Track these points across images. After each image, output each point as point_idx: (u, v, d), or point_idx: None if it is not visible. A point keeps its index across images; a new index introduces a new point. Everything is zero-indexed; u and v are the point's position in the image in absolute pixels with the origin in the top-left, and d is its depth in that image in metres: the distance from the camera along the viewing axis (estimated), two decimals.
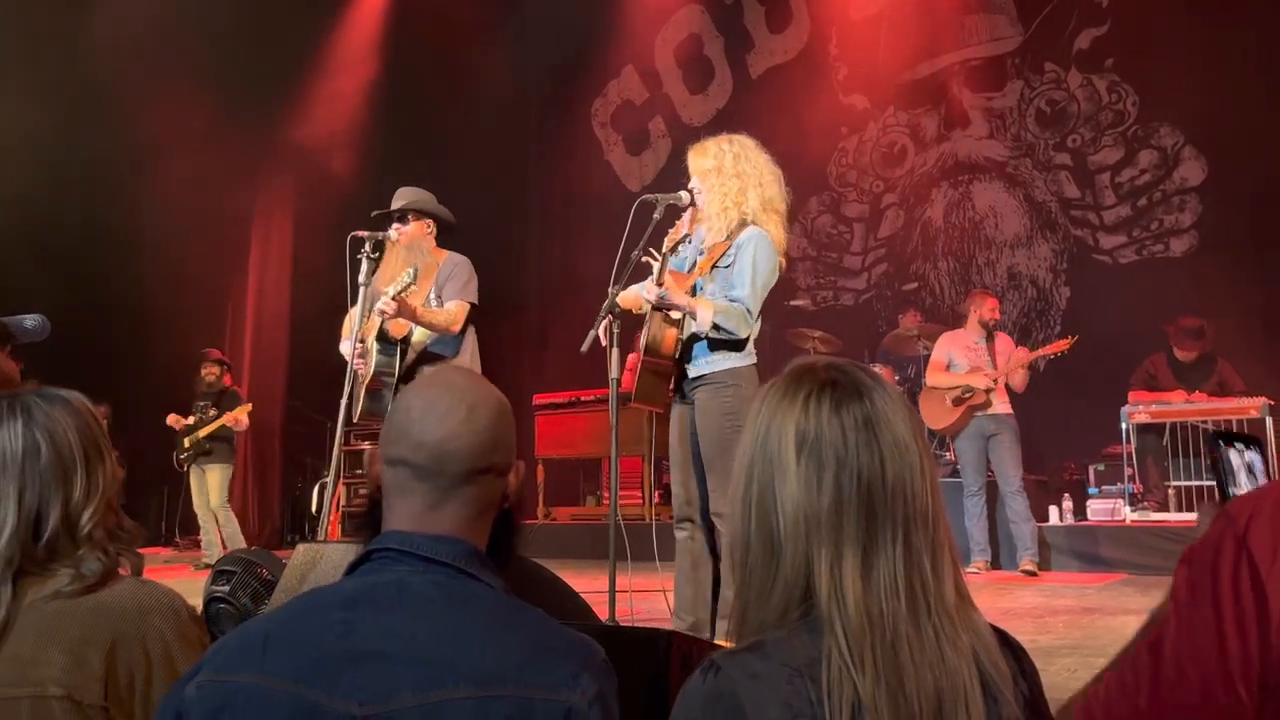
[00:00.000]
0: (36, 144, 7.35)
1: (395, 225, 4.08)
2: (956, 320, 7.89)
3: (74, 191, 7.61)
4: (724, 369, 3.30)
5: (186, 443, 7.57)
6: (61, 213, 7.53)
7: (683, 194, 3.54)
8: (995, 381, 6.15)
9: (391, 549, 1.09)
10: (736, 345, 3.30)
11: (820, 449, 0.98)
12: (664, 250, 3.39)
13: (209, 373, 7.74)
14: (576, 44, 10.30)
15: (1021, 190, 8.84)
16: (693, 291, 3.38)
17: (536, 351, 10.54)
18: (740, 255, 3.31)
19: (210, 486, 7.49)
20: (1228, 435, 1.02)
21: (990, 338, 6.37)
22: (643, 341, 3.41)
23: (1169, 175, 8.14)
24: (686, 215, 3.49)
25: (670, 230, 3.51)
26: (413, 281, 3.72)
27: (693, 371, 3.36)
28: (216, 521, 7.55)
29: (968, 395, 6.20)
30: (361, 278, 3.85)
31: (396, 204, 4.14)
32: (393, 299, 3.69)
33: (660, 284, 3.24)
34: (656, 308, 3.31)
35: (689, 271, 3.41)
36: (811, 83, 9.64)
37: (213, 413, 7.53)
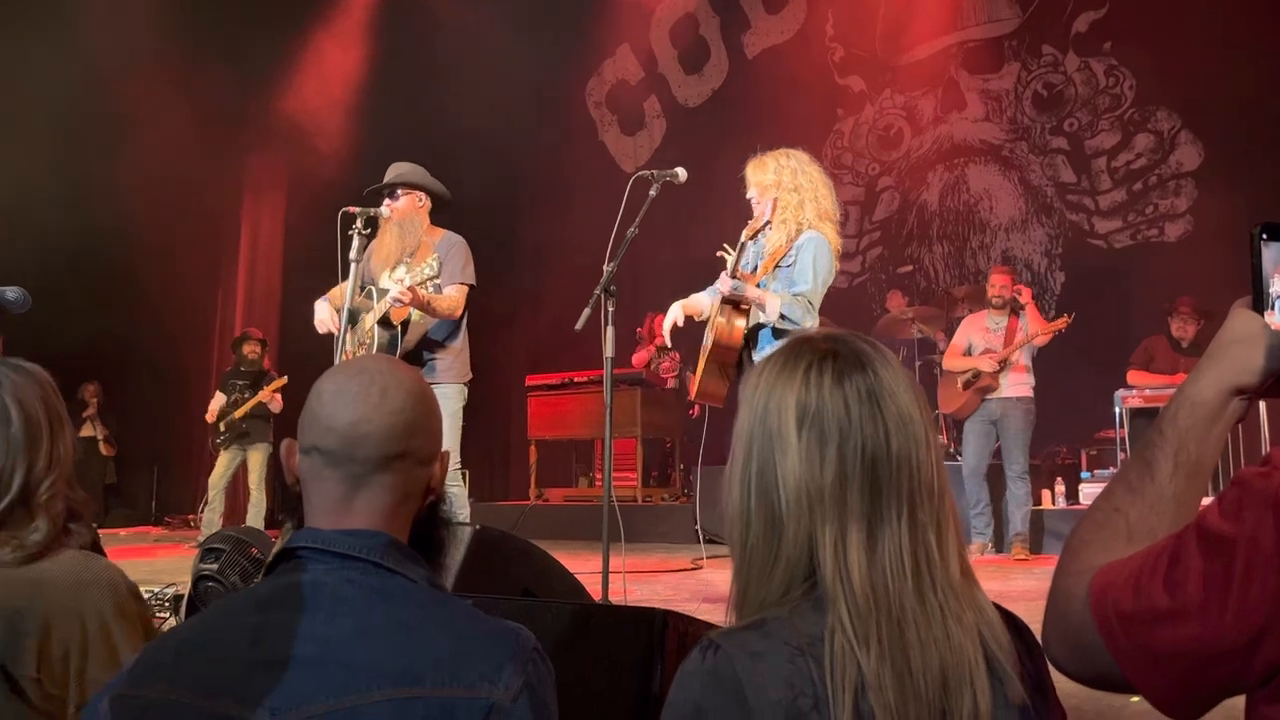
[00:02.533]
0: (21, 121, 7.28)
1: (387, 201, 4.04)
2: (950, 304, 7.88)
3: (61, 170, 7.53)
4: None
5: (223, 426, 7.37)
6: (48, 191, 7.45)
7: (678, 170, 3.55)
8: (1002, 364, 6.12)
9: (305, 547, 1.05)
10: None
11: (823, 422, 0.95)
12: (742, 240, 3.63)
13: (250, 351, 7.60)
14: (572, 23, 10.22)
15: (1017, 173, 8.81)
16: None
17: (529, 332, 10.51)
18: (801, 254, 3.52)
19: (251, 467, 7.35)
20: (1273, 227, 0.92)
21: (1015, 312, 6.27)
22: (709, 337, 3.52)
23: (1165, 159, 8.13)
24: (757, 216, 3.69)
25: (749, 223, 3.69)
26: (435, 274, 3.71)
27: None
28: (248, 501, 7.44)
29: (975, 379, 6.18)
30: (353, 254, 3.81)
31: (388, 178, 4.10)
32: (409, 288, 3.67)
33: (735, 276, 3.47)
34: (728, 300, 3.48)
35: (751, 273, 3.63)
36: (808, 64, 9.58)
37: (249, 394, 7.41)
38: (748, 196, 3.66)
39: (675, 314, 3.70)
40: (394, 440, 1.06)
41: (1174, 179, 8.07)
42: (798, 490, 0.95)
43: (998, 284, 6.28)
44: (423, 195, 4.12)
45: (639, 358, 8.55)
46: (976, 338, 6.33)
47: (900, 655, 0.89)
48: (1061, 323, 6.10)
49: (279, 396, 7.37)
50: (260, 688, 0.96)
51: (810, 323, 3.48)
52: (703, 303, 3.71)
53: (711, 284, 3.70)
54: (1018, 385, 6.15)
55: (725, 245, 3.64)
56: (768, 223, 3.63)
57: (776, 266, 3.56)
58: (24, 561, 1.31)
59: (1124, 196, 8.29)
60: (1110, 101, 8.39)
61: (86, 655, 1.31)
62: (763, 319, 3.46)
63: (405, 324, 3.97)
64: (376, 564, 1.03)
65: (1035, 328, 6.15)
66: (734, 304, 3.49)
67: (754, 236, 3.67)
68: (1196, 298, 6.38)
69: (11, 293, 1.97)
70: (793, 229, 3.53)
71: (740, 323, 3.49)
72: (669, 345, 4.16)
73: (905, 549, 0.93)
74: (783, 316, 3.42)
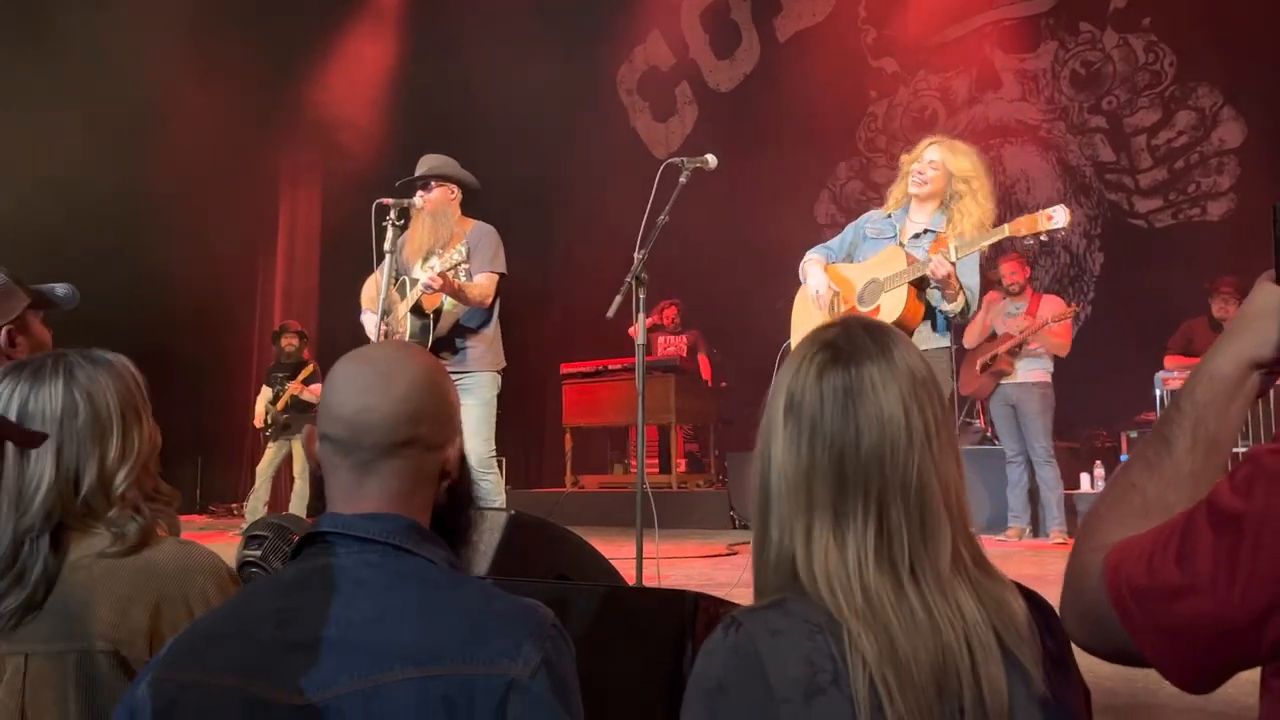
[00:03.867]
0: (60, 117, 7.41)
1: (420, 192, 4.08)
2: (985, 285, 7.79)
3: (99, 165, 7.66)
4: (941, 345, 3.56)
5: (268, 419, 7.60)
6: (87, 186, 7.59)
7: (709, 157, 3.54)
8: (1019, 347, 6.08)
9: (327, 532, 1.07)
10: (949, 327, 3.59)
11: (801, 413, 0.98)
12: (885, 213, 3.68)
13: (288, 343, 7.80)
14: (603, 10, 10.20)
15: (1055, 154, 8.68)
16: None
17: (562, 319, 10.55)
18: (971, 249, 3.50)
19: (296, 456, 7.52)
20: None
21: (1030, 301, 6.24)
22: (891, 313, 3.44)
23: (1207, 137, 7.97)
24: (898, 191, 3.66)
25: (893, 191, 3.69)
26: (465, 260, 3.74)
27: (920, 346, 3.47)
28: (292, 489, 7.63)
29: (992, 362, 6.16)
30: (386, 245, 3.86)
31: (420, 171, 4.14)
32: (439, 274, 3.70)
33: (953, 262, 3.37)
34: (927, 282, 3.41)
35: (894, 243, 3.59)
36: (840, 46, 9.49)
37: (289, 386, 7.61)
38: (917, 170, 3.56)
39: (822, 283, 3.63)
40: (398, 428, 1.08)
41: (1216, 156, 7.91)
42: (779, 476, 0.98)
43: (1007, 271, 6.26)
44: (455, 187, 4.15)
45: (673, 345, 8.55)
46: (997, 320, 6.29)
47: (887, 643, 0.91)
48: (1069, 310, 6.08)
49: (316, 387, 7.51)
50: (289, 669, 0.98)
51: (968, 318, 3.67)
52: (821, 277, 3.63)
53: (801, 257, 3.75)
54: (1031, 370, 6.11)
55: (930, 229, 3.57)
56: (913, 199, 3.60)
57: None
58: (128, 552, 1.36)
59: (1165, 175, 8.14)
60: (1150, 78, 8.23)
61: None
62: (945, 307, 3.44)
63: (438, 312, 4.01)
64: (396, 546, 1.05)
65: (1049, 312, 6.10)
66: (921, 284, 3.43)
67: (887, 214, 3.66)
68: (1240, 277, 6.26)
69: (61, 289, 2.01)
70: (975, 226, 3.46)
71: (923, 306, 3.47)
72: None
73: (871, 545, 0.94)
74: (965, 309, 3.47)
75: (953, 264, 3.32)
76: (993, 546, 5.64)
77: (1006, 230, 3.36)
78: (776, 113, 9.43)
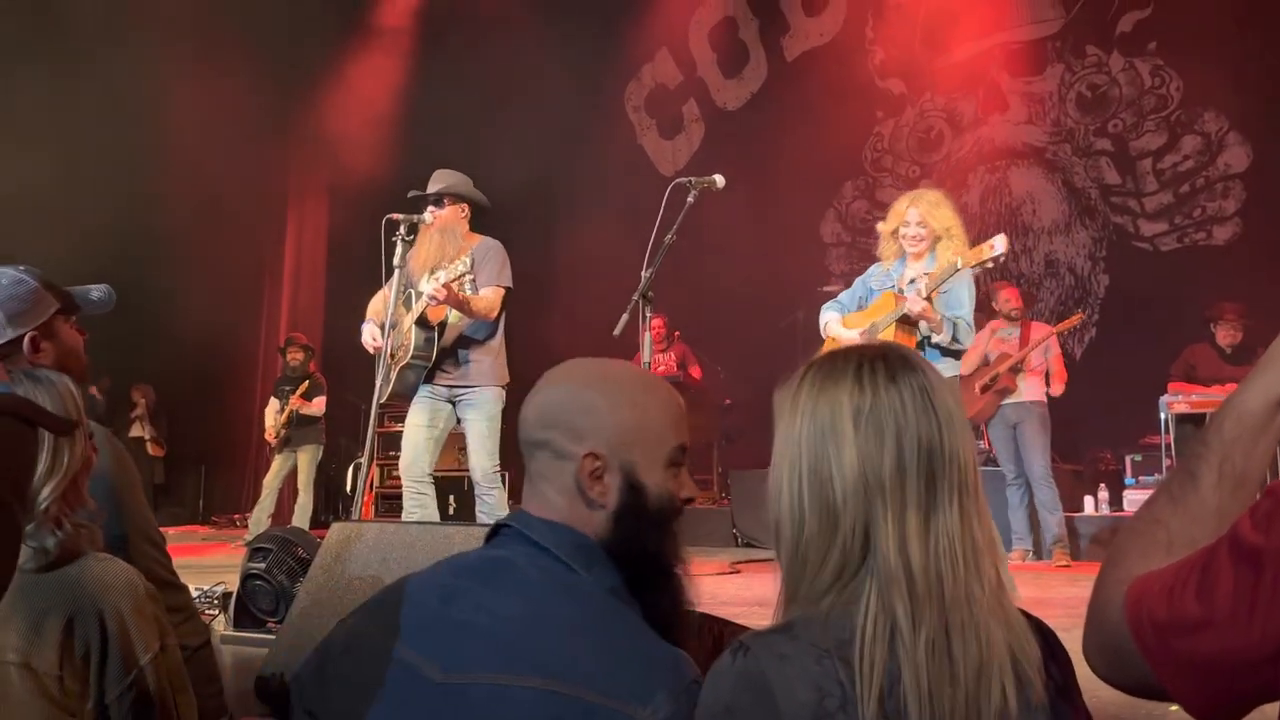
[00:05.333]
0: (70, 131, 7.47)
1: (430, 209, 4.10)
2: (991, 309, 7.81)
3: (109, 178, 7.71)
4: (949, 377, 3.70)
5: (275, 431, 7.70)
6: (97, 197, 7.64)
7: (716, 177, 3.56)
8: (1018, 367, 6.09)
9: (512, 526, 1.12)
10: (955, 355, 3.80)
11: (880, 416, 0.99)
12: (880, 269, 4.02)
13: (294, 357, 7.89)
14: (611, 27, 10.27)
15: (1060, 176, 8.70)
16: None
17: (567, 335, 10.55)
18: (955, 282, 3.81)
19: (300, 468, 7.62)
20: None
21: (1023, 328, 6.27)
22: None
23: (1213, 161, 7.99)
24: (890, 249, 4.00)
25: (884, 247, 4.04)
26: (469, 271, 3.76)
27: None
28: (295, 502, 7.67)
29: (993, 382, 6.16)
30: (396, 260, 3.88)
31: (433, 187, 4.15)
32: (443, 285, 3.72)
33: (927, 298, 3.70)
34: (908, 318, 3.72)
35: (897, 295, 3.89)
36: (847, 66, 9.53)
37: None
38: (906, 232, 3.88)
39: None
40: (528, 428, 1.15)
41: (1222, 181, 7.93)
42: (856, 482, 0.98)
43: (1007, 298, 6.30)
44: (465, 205, 4.17)
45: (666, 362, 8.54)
46: (991, 346, 6.31)
47: (943, 640, 0.92)
48: (1076, 319, 6.10)
49: (318, 401, 7.57)
50: (439, 645, 1.03)
51: (970, 344, 3.88)
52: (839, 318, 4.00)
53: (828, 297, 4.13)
54: (1032, 390, 6.12)
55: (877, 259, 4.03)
56: (912, 257, 3.90)
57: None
58: (48, 567, 1.37)
59: (1170, 199, 8.16)
60: (1156, 102, 8.26)
61: (106, 653, 1.37)
62: (934, 338, 3.72)
63: (442, 325, 4.02)
64: (563, 560, 1.08)
65: (1046, 330, 6.13)
66: (911, 321, 3.74)
67: (888, 269, 3.98)
68: (1245, 303, 6.27)
69: (97, 292, 2.01)
70: (944, 262, 3.79)
71: (915, 338, 3.77)
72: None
73: (957, 537, 0.97)
74: (955, 339, 3.72)
75: (927, 299, 3.65)
76: None
77: (959, 264, 3.69)
78: (783, 131, 9.46)
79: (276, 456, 7.65)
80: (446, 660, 1.01)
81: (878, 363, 1.02)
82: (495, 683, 0.99)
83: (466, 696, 0.99)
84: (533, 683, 0.98)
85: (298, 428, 7.60)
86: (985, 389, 6.19)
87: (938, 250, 3.84)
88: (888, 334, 3.73)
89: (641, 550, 1.12)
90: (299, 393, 7.62)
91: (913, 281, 3.82)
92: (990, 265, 3.74)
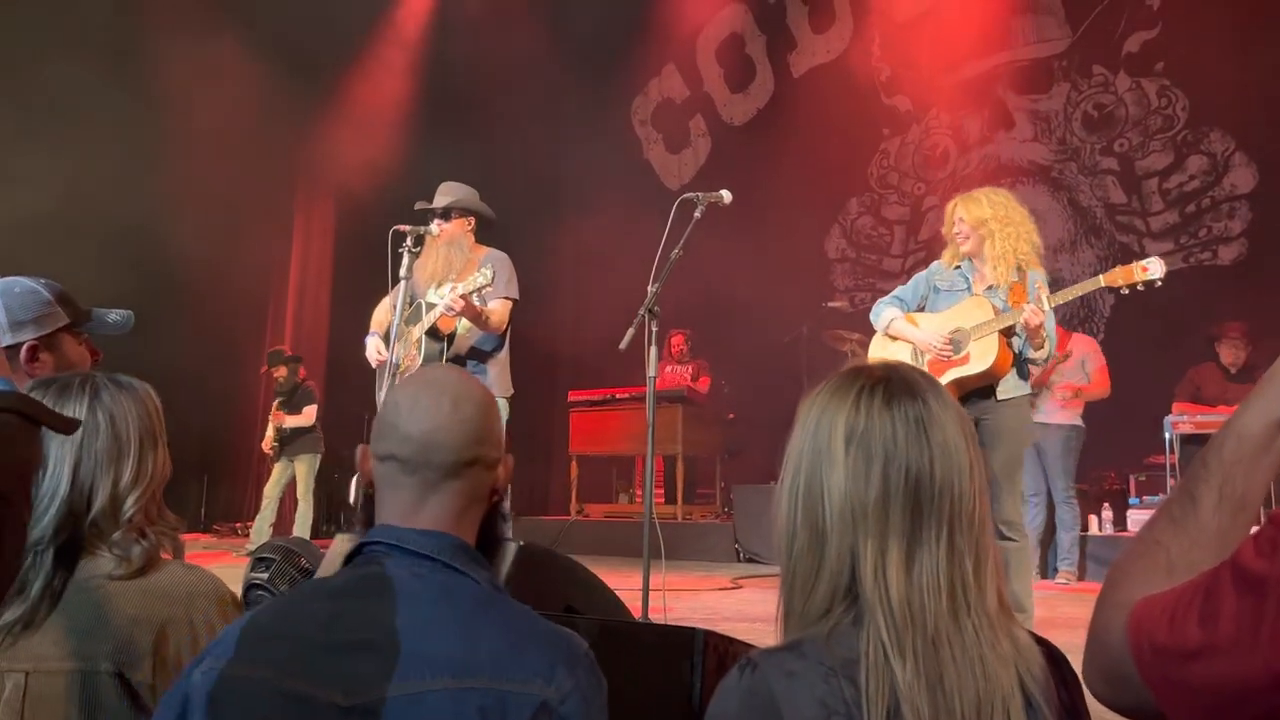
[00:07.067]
0: (81, 142, 7.50)
1: (437, 221, 4.11)
2: None
3: (117, 188, 7.73)
4: (1025, 393, 3.65)
5: (270, 444, 7.80)
6: (105, 208, 7.66)
7: (723, 193, 3.57)
8: (1045, 388, 6.06)
9: (380, 542, 1.11)
10: (1026, 375, 3.69)
11: (870, 442, 0.99)
12: (937, 268, 3.83)
13: (278, 373, 7.94)
14: (618, 42, 10.31)
15: (1066, 195, 8.71)
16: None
17: (572, 348, 10.56)
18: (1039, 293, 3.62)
19: (298, 478, 7.67)
20: None
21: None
22: (981, 362, 3.54)
23: (1219, 182, 7.99)
24: (949, 250, 3.81)
25: (947, 252, 3.83)
26: (489, 283, 3.77)
27: (1004, 395, 3.60)
28: (296, 510, 7.71)
29: None
30: (402, 271, 3.90)
31: (440, 200, 4.17)
32: (461, 296, 3.73)
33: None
34: (1014, 330, 3.55)
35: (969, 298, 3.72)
36: (854, 83, 9.57)
37: (284, 410, 7.74)
38: (954, 232, 3.73)
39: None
40: (466, 448, 1.13)
41: (1228, 201, 7.93)
42: (842, 505, 0.98)
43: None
44: (471, 219, 4.19)
45: (676, 375, 8.55)
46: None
47: (934, 672, 0.92)
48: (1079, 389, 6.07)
49: (308, 411, 7.65)
50: (333, 671, 1.01)
51: (1046, 362, 3.76)
52: (908, 329, 3.78)
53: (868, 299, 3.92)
54: (1059, 410, 6.08)
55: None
56: (957, 266, 3.75)
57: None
58: (134, 575, 1.37)
59: (1176, 219, 8.16)
60: (1162, 122, 8.27)
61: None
62: (1031, 353, 3.57)
63: (451, 336, 4.03)
64: (445, 564, 1.09)
65: (1093, 360, 6.10)
66: (1009, 332, 3.56)
67: (955, 266, 3.79)
68: (1250, 322, 6.26)
69: (115, 315, 2.02)
70: (1012, 264, 3.60)
71: (1012, 352, 3.59)
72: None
73: (941, 571, 0.95)
74: (1047, 357, 3.61)
75: (1045, 312, 3.43)
76: None
77: (1102, 281, 3.48)
78: (789, 147, 9.49)
79: (275, 466, 7.72)
80: (346, 684, 1.00)
81: (879, 387, 1.02)
82: (405, 693, 0.99)
83: (378, 715, 0.99)
84: (443, 684, 0.99)
85: (291, 438, 7.67)
86: None
87: (985, 253, 3.66)
88: (987, 344, 3.53)
89: (502, 518, 1.22)
90: (276, 405, 7.73)
91: (991, 288, 3.64)
92: (1140, 288, 3.46)
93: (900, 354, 3.76)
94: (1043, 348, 3.52)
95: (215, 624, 1.38)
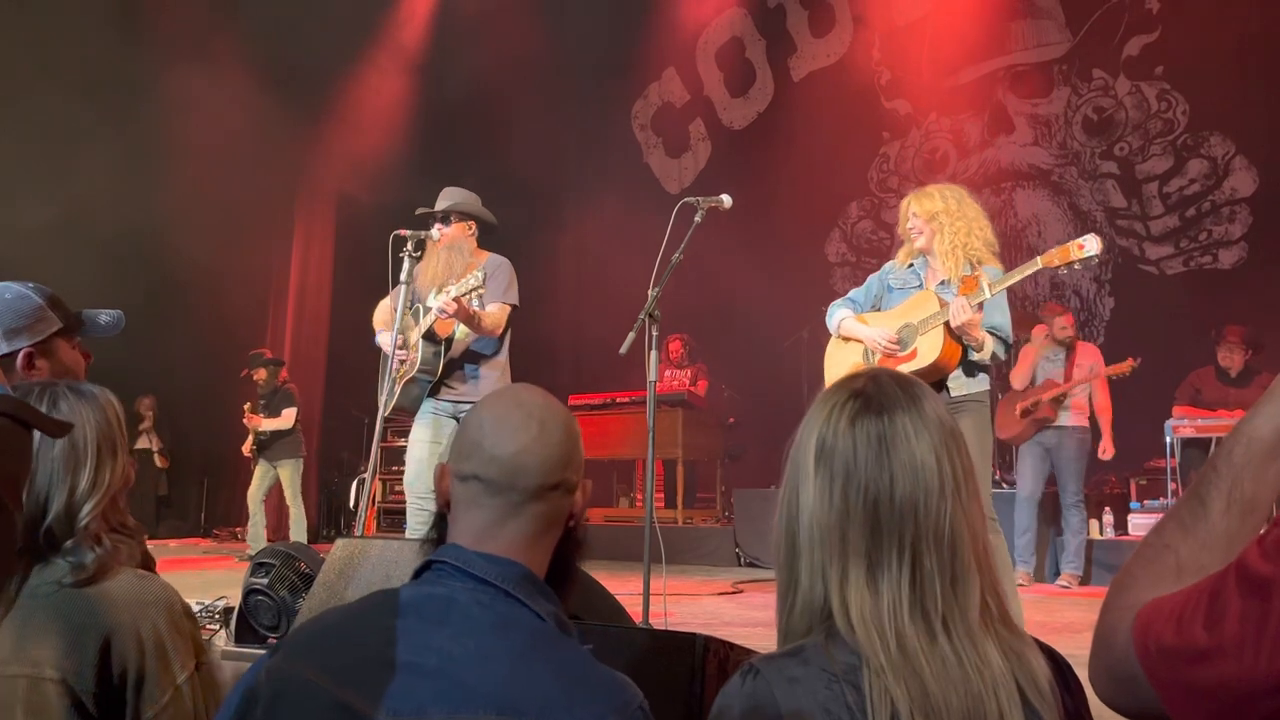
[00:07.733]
0: (79, 146, 7.51)
1: (438, 225, 4.12)
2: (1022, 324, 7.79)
3: (118, 191, 7.74)
4: (981, 390, 3.52)
5: (249, 447, 7.79)
6: (107, 211, 7.67)
7: (724, 197, 3.56)
8: (1064, 396, 6.06)
9: (448, 562, 1.10)
10: (985, 369, 3.56)
11: (833, 460, 0.98)
12: (890, 268, 3.75)
13: (258, 376, 7.92)
14: (618, 46, 10.33)
15: (1066, 198, 8.72)
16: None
17: (572, 352, 10.57)
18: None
19: (283, 482, 7.63)
20: None
21: (1070, 350, 6.23)
22: (927, 357, 3.47)
23: (1219, 185, 8.00)
24: (904, 249, 3.74)
25: (902, 250, 3.75)
26: (480, 285, 3.76)
27: (957, 392, 3.51)
28: (287, 515, 7.69)
29: (1034, 409, 6.11)
30: (403, 275, 3.90)
31: (442, 204, 4.17)
32: (454, 299, 3.72)
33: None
34: (956, 332, 3.42)
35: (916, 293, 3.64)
36: (854, 87, 9.58)
37: (264, 413, 7.71)
38: (907, 227, 3.66)
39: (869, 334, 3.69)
40: (552, 472, 1.12)
41: (1228, 205, 7.93)
42: (810, 522, 0.98)
43: (1063, 325, 6.22)
44: (472, 223, 4.19)
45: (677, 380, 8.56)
46: (1039, 367, 6.27)
47: (919, 690, 0.91)
48: (1127, 365, 6.02)
49: (286, 413, 7.62)
50: (384, 687, 1.01)
51: (1004, 356, 3.64)
52: (859, 327, 3.71)
53: (843, 297, 3.83)
54: (1075, 414, 6.09)
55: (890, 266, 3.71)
56: (920, 251, 3.65)
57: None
58: (83, 582, 1.37)
59: (1176, 222, 8.17)
60: (1162, 126, 8.28)
61: (143, 671, 1.36)
62: (973, 356, 3.47)
63: (449, 339, 4.03)
64: (508, 593, 1.07)
65: (1100, 367, 6.08)
66: (955, 332, 3.45)
67: (908, 264, 3.72)
68: (1250, 326, 6.26)
69: (106, 317, 2.00)
70: (961, 258, 3.52)
71: (959, 345, 3.47)
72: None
73: (905, 593, 0.94)
74: (994, 355, 3.48)
75: (976, 307, 3.33)
76: None
77: (1039, 263, 3.37)
78: (789, 151, 9.50)
79: (255, 470, 7.68)
80: (394, 702, 1.00)
81: (850, 402, 1.01)
82: None
83: None
84: (489, 718, 0.98)
85: (270, 442, 7.60)
86: (1025, 414, 6.13)
87: (936, 241, 3.57)
88: (932, 338, 3.46)
89: (573, 572, 1.19)
90: (248, 408, 7.69)
91: (944, 283, 3.57)
92: (1078, 268, 3.37)
93: (853, 354, 3.72)
94: (982, 349, 3.40)
95: (164, 633, 1.38)
